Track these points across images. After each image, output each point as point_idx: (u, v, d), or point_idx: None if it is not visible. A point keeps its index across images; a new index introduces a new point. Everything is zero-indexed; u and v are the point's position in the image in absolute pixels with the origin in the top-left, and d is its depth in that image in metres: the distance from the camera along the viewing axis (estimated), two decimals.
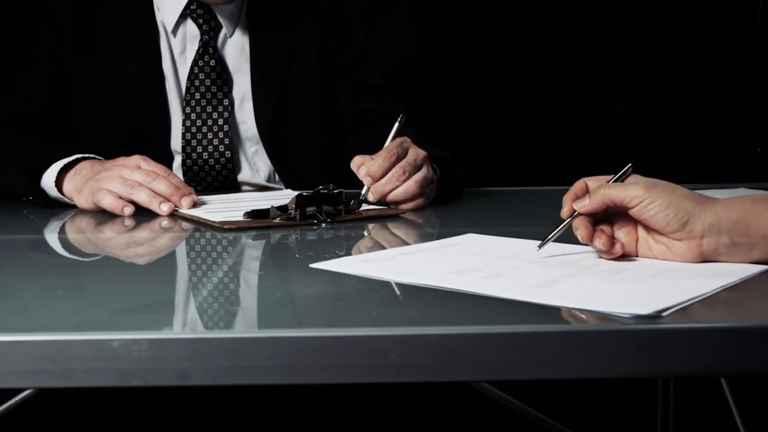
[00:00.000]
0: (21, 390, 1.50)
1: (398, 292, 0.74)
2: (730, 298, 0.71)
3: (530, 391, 1.81)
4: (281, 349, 0.58)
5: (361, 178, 1.23)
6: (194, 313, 0.68)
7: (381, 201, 1.23)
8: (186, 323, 0.66)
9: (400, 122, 1.27)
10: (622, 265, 0.81)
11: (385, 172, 1.21)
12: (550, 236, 0.86)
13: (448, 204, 1.34)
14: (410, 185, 1.22)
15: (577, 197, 0.85)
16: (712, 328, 0.62)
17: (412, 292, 0.73)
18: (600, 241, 0.82)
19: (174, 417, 1.79)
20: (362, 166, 1.23)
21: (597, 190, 0.83)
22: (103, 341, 0.58)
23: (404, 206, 1.23)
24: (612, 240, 0.83)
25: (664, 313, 0.63)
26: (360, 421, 1.82)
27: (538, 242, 0.86)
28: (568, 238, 0.85)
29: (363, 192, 1.21)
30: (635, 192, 0.80)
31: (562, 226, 0.85)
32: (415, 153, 1.25)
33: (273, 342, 0.58)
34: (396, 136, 1.27)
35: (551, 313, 0.66)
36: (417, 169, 1.23)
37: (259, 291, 0.77)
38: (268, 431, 1.79)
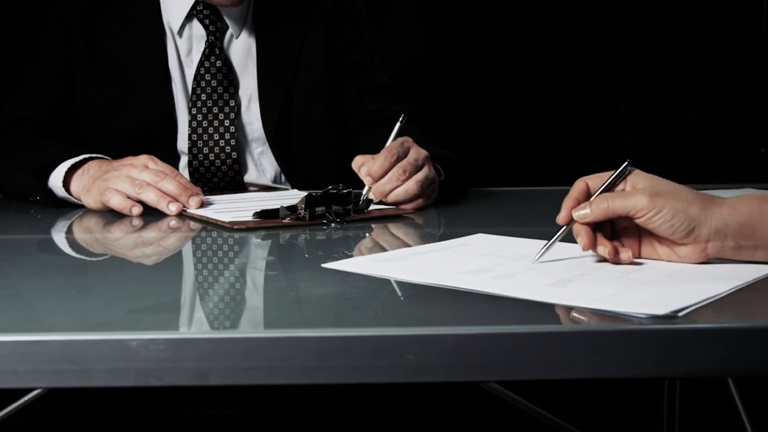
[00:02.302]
0: (29, 390, 1.49)
1: (411, 292, 0.74)
2: (742, 298, 0.71)
3: (534, 391, 1.81)
4: (299, 349, 0.58)
5: (362, 178, 1.22)
6: (210, 313, 0.68)
7: (382, 201, 1.23)
8: (203, 323, 0.66)
9: (401, 122, 1.26)
10: (635, 266, 0.81)
11: (385, 171, 1.20)
12: (547, 244, 0.83)
13: (454, 204, 1.34)
14: (410, 185, 1.21)
15: (578, 201, 0.83)
16: (726, 329, 0.62)
17: (426, 292, 0.73)
18: (604, 249, 0.80)
19: (181, 417, 1.79)
20: (363, 166, 1.22)
21: (599, 203, 0.80)
22: (121, 341, 0.58)
23: (404, 207, 1.23)
24: (615, 247, 0.81)
25: (680, 314, 0.64)
26: (366, 420, 1.82)
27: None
28: None
29: (364, 192, 1.21)
30: (640, 204, 0.78)
31: (559, 233, 0.83)
32: (416, 152, 1.24)
33: (291, 342, 0.58)
34: (398, 136, 1.26)
35: (566, 313, 0.66)
36: (418, 168, 1.23)
37: (274, 291, 0.77)
38: (274, 431, 1.79)
